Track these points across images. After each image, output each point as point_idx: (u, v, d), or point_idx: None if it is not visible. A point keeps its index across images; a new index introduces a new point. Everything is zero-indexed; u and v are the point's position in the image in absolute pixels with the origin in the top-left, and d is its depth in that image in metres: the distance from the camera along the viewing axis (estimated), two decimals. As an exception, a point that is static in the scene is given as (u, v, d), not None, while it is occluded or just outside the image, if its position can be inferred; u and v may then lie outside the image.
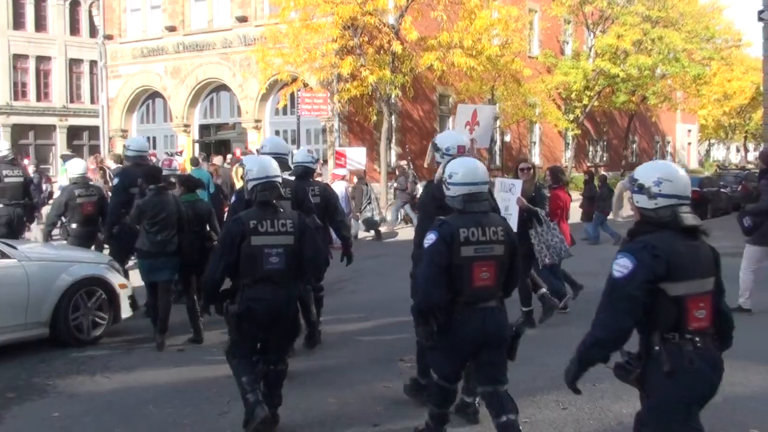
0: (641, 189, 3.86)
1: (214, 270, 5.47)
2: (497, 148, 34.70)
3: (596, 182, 19.22)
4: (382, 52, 25.21)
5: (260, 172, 5.54)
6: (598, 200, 18.17)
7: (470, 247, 4.55)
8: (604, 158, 44.75)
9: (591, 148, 43.59)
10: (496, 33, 27.82)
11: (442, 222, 4.66)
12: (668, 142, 54.15)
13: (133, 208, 8.37)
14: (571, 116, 36.38)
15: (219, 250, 5.51)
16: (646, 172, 3.91)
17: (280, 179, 5.67)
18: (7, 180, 10.89)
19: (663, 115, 49.09)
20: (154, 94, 33.04)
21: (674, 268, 3.65)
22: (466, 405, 5.77)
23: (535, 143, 39.31)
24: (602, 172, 23.45)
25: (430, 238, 4.59)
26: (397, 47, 24.55)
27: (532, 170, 9.14)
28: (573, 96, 36.29)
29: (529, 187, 8.83)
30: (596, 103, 37.44)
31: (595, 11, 36.59)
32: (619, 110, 41.77)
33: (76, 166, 10.16)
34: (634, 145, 47.95)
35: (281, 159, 6.91)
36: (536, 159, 39.08)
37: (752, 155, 66.12)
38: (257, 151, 8.15)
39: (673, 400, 3.76)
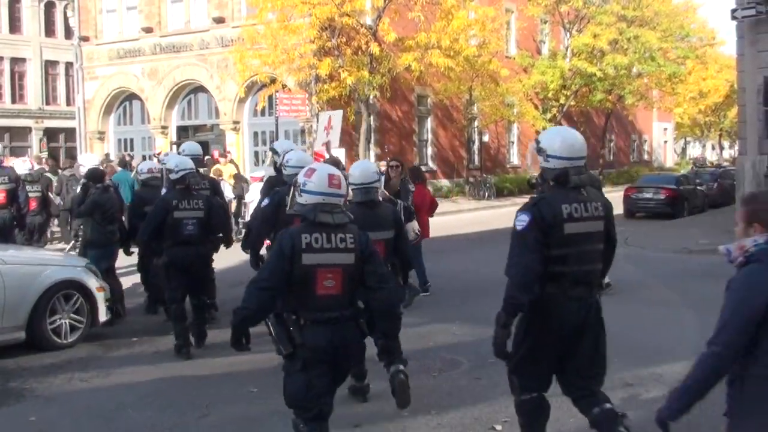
0: (540, 151, 4.51)
1: (143, 233, 8.25)
2: (476, 148, 34.80)
3: None
4: (360, 53, 25.24)
5: (180, 166, 8.09)
6: None
7: (313, 254, 4.34)
8: (582, 157, 44.97)
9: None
10: (474, 33, 27.95)
11: (284, 231, 4.53)
12: (645, 141, 54.58)
13: (88, 204, 9.49)
14: (549, 115, 36.58)
15: (149, 218, 8.09)
16: (547, 137, 4.64)
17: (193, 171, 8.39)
18: None
19: (639, 114, 49.47)
20: (131, 96, 32.86)
21: (558, 217, 4.41)
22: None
23: (513, 143, 39.49)
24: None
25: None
26: (374, 48, 24.58)
27: (400, 167, 10.53)
28: (550, 95, 36.52)
29: (395, 183, 10.20)
30: (573, 103, 37.67)
31: (571, 11, 36.82)
32: (596, 109, 42.04)
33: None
34: (612, 144, 48.27)
35: (197, 158, 9.64)
36: (514, 159, 39.28)
37: (727, 153, 66.82)
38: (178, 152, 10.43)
39: None
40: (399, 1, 25.27)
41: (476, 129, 34.88)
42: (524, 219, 4.52)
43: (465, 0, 26.91)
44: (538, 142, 4.69)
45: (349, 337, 4.48)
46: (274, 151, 8.53)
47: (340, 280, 4.41)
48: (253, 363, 7.46)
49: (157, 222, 7.92)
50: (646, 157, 54.23)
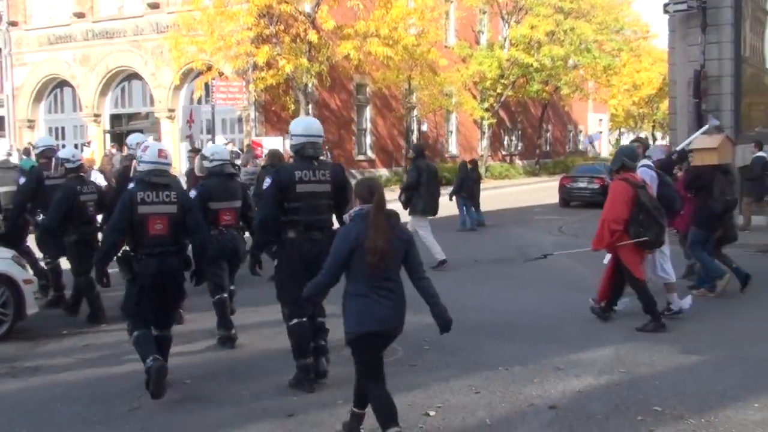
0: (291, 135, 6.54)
1: (52, 217, 8.73)
2: (414, 137, 34.91)
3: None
4: (298, 40, 25.05)
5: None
6: (464, 185, 18.29)
7: (146, 206, 6.13)
8: (519, 147, 45.58)
9: (506, 137, 44.31)
10: (413, 22, 27.97)
11: (127, 190, 6.55)
12: (580, 131, 55.50)
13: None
14: (486, 105, 36.91)
15: (57, 201, 8.62)
16: (294, 123, 6.70)
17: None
18: None
19: (575, 105, 50.29)
20: (63, 83, 32.01)
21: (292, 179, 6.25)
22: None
23: (451, 132, 39.73)
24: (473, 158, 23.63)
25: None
26: (313, 36, 24.42)
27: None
28: (488, 85, 36.84)
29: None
30: (511, 93, 38.08)
31: (510, 2, 37.21)
32: (533, 99, 42.60)
33: None
34: (548, 134, 48.98)
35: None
36: (453, 148, 39.52)
37: (660, 143, 68.30)
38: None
39: None
40: (338, -12, 25.16)
41: (415, 118, 34.98)
42: (268, 181, 6.77)
43: (404, -11, 26.92)
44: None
45: (174, 266, 6.24)
46: (129, 146, 10.16)
47: (166, 225, 6.20)
48: (187, 355, 7.38)
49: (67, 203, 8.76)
50: (581, 147, 55.18)
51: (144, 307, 6.15)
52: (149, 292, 6.11)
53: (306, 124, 6.67)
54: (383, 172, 33.31)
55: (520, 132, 45.66)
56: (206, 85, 25.51)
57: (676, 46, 17.70)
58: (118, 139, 28.52)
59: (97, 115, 30.63)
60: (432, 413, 5.64)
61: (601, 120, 59.85)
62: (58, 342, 8.05)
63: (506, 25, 38.20)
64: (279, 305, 6.60)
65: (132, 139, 10.14)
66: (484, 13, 39.87)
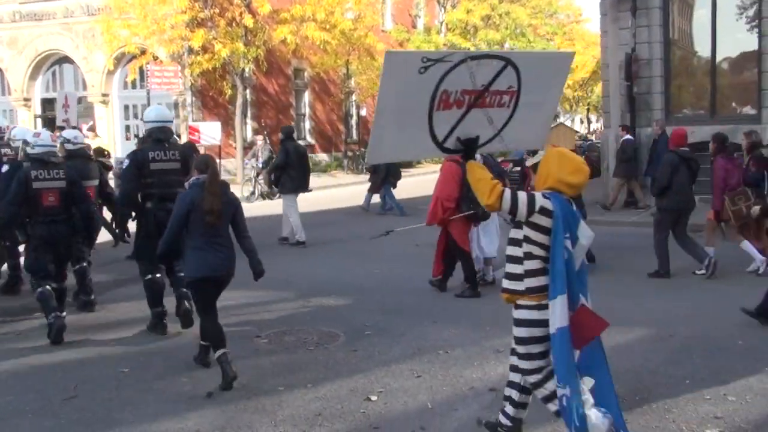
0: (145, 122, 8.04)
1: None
2: (354, 122, 34.86)
3: None
4: (234, 24, 24.72)
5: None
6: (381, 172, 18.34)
7: (39, 182, 7.51)
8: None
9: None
10: (349, 7, 27.88)
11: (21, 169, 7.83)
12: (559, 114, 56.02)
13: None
14: (425, 89, 36.99)
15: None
16: (147, 111, 8.18)
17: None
18: None
19: (512, 89, 50.73)
20: (-11, 66, 30.98)
21: (146, 159, 7.60)
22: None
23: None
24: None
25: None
26: (248, 20, 24.13)
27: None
28: (426, 70, 36.90)
29: None
30: (449, 77, 38.22)
31: (446, -14, 37.31)
32: (470, 84, 42.85)
33: None
34: (486, 118, 49.37)
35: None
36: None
37: (594, 126, 69.54)
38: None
39: None
40: (273, -29, 24.88)
41: (354, 103, 34.90)
42: (127, 161, 7.92)
43: (340, -27, 26.76)
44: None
45: (63, 231, 7.65)
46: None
47: (57, 197, 7.61)
48: (125, 344, 7.28)
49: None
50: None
51: (41, 263, 7.57)
52: (43, 250, 7.58)
53: (157, 111, 8.17)
54: (323, 157, 33.18)
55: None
56: (140, 69, 25.00)
57: (608, 30, 18.01)
58: (51, 123, 27.75)
59: (27, 99, 29.79)
60: (374, 398, 5.67)
61: (537, 104, 60.54)
62: (-12, 333, 7.85)
63: (442, 9, 38.35)
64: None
65: (21, 134, 10.22)
66: (421, -3, 39.96)
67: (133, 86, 27.77)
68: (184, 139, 24.28)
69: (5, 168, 8.78)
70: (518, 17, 36.82)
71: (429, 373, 6.26)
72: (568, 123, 78.93)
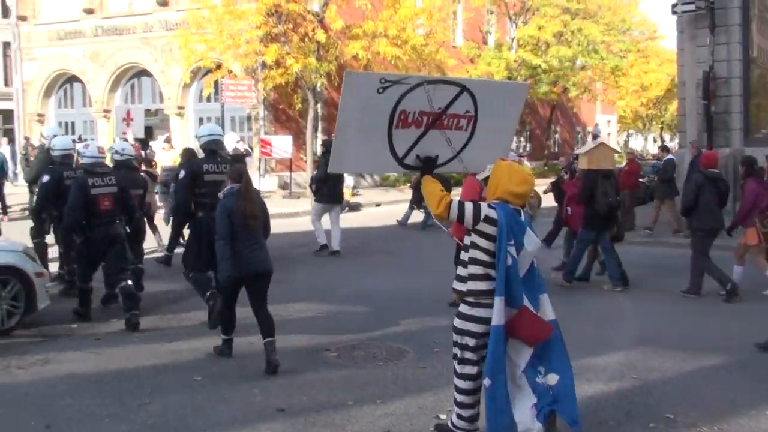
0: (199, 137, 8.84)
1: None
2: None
3: None
4: (306, 39, 25.03)
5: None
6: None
7: (95, 189, 8.41)
8: (527, 148, 45.49)
9: (514, 138, 44.17)
10: (421, 23, 27.93)
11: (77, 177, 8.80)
12: (589, 132, 55.38)
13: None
14: (495, 106, 36.73)
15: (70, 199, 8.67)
16: (200, 129, 8.90)
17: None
18: None
19: (583, 106, 50.17)
20: (72, 78, 32.06)
21: (200, 170, 8.37)
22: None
23: (459, 132, 39.62)
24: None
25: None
26: (321, 36, 24.41)
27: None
28: (496, 86, 36.68)
29: None
30: (519, 94, 37.89)
31: (517, 2, 37.12)
32: (541, 100, 42.48)
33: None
34: (556, 135, 48.91)
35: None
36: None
37: (669, 145, 68.05)
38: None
39: None
40: (346, -12, 25.15)
41: (423, 118, 34.91)
42: (182, 173, 8.50)
43: (412, -11, 26.89)
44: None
45: (116, 232, 8.53)
46: (42, 136, 12.20)
47: (111, 201, 8.51)
48: (197, 352, 7.40)
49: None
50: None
51: (90, 258, 8.61)
52: (96, 248, 8.53)
53: (209, 126, 9.00)
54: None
55: (528, 133, 45.57)
56: (215, 83, 25.54)
57: (685, 47, 17.67)
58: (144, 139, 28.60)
59: (107, 111, 30.67)
60: (443, 416, 5.62)
61: (609, 121, 59.71)
62: (68, 335, 8.08)
63: (514, 25, 38.15)
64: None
65: (50, 132, 12.07)
66: (492, 13, 39.80)
67: (208, 99, 28.36)
68: (256, 153, 24.75)
69: (46, 178, 9.44)
70: (590, 34, 36.33)
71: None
72: (641, 142, 77.75)
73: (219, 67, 25.47)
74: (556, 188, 13.84)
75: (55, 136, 11.25)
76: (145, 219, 11.26)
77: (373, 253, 14.16)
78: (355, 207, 22.42)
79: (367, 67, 27.63)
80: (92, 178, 8.44)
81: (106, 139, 28.98)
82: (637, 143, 77.73)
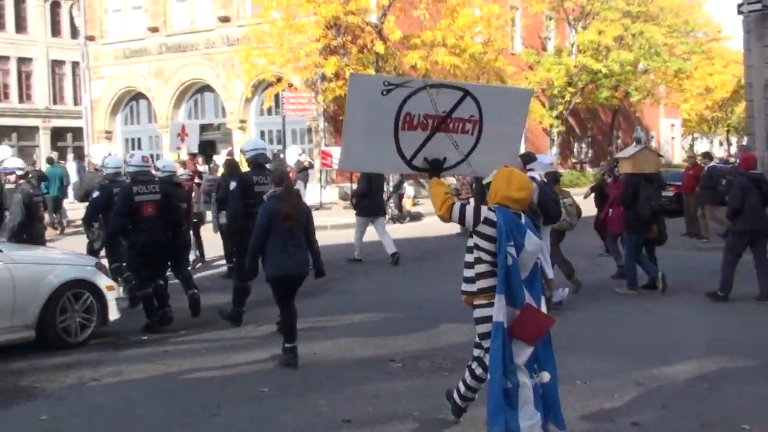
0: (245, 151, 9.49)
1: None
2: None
3: None
4: (365, 51, 25.20)
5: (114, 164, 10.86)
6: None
7: (140, 196, 8.84)
8: (589, 154, 44.92)
9: (576, 144, 43.73)
10: (479, 31, 27.90)
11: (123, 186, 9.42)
12: (652, 137, 54.39)
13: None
14: (555, 112, 36.46)
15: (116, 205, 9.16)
16: (246, 142, 9.71)
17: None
18: None
19: (646, 110, 49.30)
20: (138, 95, 32.90)
21: (251, 181, 9.16)
22: None
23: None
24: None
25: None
26: (379, 47, 24.54)
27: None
28: (556, 92, 36.39)
29: None
30: (579, 99, 37.54)
31: (576, 7, 36.72)
32: (602, 106, 41.93)
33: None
34: (619, 141, 48.14)
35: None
36: (521, 155, 39.07)
37: (735, 149, 66.43)
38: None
39: None
40: (404, -1, 25.28)
41: (482, 126, 34.76)
42: (233, 183, 9.28)
43: (470, -3, 26.86)
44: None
45: (160, 237, 8.95)
46: (89, 155, 13.08)
47: (154, 208, 8.90)
48: (264, 363, 7.48)
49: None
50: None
51: (140, 262, 8.99)
52: (144, 255, 8.96)
53: (254, 141, 9.83)
54: (451, 180, 33.17)
55: (590, 139, 45.00)
56: (276, 96, 25.87)
57: (752, 48, 17.21)
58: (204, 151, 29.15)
59: (171, 126, 31.38)
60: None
61: (673, 125, 58.57)
62: (138, 347, 8.25)
63: (573, 30, 37.76)
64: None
65: (99, 152, 13.63)
66: (551, 19, 39.48)
67: (269, 113, 28.74)
68: (317, 165, 24.95)
69: (96, 194, 10.34)
70: (652, 37, 35.73)
71: (567, 404, 6.09)
72: (706, 145, 76.00)
73: (279, 80, 25.81)
74: (599, 192, 13.94)
75: (109, 155, 12.00)
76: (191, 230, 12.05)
77: (434, 262, 14.12)
78: (416, 217, 22.43)
79: (425, 77, 27.70)
80: (137, 186, 8.89)
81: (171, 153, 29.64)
82: (702, 147, 76.00)
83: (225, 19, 29.44)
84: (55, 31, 44.20)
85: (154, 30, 31.28)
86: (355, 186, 19.50)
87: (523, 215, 5.07)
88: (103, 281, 8.54)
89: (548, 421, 4.97)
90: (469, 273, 5.15)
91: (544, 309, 5.12)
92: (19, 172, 10.69)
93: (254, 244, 7.24)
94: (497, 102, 5.61)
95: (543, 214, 9.13)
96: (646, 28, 35.98)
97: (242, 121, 29.65)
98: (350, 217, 21.63)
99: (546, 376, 5.04)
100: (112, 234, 9.38)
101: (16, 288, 7.72)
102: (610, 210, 11.93)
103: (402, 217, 21.74)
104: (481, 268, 5.06)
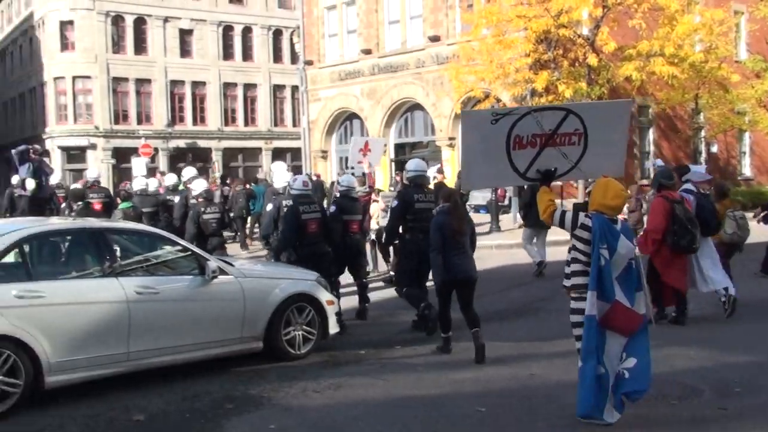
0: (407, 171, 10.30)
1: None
2: (703, 159, 32.80)
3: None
4: (577, 64, 24.62)
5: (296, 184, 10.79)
6: None
7: (305, 215, 9.74)
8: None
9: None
10: (699, 38, 26.40)
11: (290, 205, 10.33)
12: None
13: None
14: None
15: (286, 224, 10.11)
16: (408, 164, 10.48)
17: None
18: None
19: None
20: (352, 116, 34.19)
21: (412, 199, 9.74)
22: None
23: (744, 153, 36.78)
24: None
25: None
26: (592, 60, 23.87)
27: None
28: (788, 101, 33.58)
29: None
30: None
31: (812, 9, 33.74)
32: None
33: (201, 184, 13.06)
34: None
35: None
36: (747, 170, 36.61)
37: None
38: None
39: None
40: (618, 9, 24.41)
41: (703, 139, 32.83)
42: (395, 202, 9.96)
43: (690, 3, 25.47)
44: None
45: (322, 251, 9.87)
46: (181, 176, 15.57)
47: (317, 225, 9.80)
48: (480, 382, 7.41)
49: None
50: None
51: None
52: (306, 266, 9.40)
53: (416, 163, 10.36)
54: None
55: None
56: (484, 112, 25.83)
57: None
58: (400, 167, 29.74)
59: (384, 146, 32.25)
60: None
61: None
62: (356, 361, 8.45)
63: (808, 34, 34.74)
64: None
65: (280, 171, 14.45)
66: (781, 23, 36.58)
67: (479, 129, 28.75)
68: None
69: (270, 206, 11.61)
70: None
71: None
72: None
73: (487, 96, 25.79)
74: None
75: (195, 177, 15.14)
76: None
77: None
78: None
79: (640, 89, 26.58)
80: (302, 206, 9.83)
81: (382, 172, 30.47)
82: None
83: (435, 39, 29.91)
84: (277, 57, 47.11)
85: (368, 52, 32.38)
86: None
87: (619, 221, 5.83)
88: (324, 295, 8.85)
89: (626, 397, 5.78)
90: (567, 270, 5.99)
91: (642, 303, 5.76)
92: (195, 193, 12.76)
93: (435, 256, 8.13)
94: (599, 115, 6.48)
95: (701, 225, 9.58)
96: None
97: (451, 138, 29.91)
98: (503, 238, 20.60)
99: (632, 362, 5.70)
100: (282, 248, 10.05)
101: (246, 300, 8.16)
102: None
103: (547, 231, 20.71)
104: (576, 267, 5.85)
